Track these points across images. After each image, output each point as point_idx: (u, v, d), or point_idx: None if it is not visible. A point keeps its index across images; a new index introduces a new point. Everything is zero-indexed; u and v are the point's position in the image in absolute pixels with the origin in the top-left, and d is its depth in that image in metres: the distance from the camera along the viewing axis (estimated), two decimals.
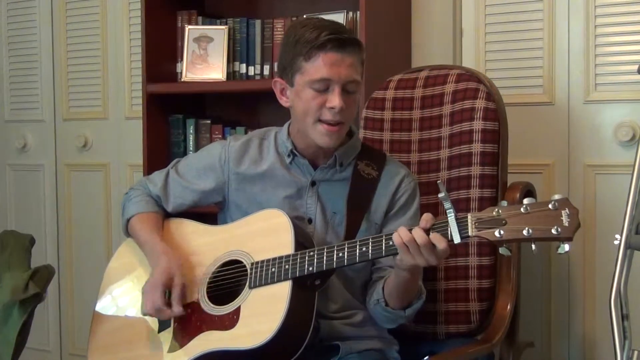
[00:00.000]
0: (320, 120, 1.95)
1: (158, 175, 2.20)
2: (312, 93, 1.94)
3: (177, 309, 1.96)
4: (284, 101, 2.04)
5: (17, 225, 3.66)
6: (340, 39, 1.92)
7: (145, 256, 2.10)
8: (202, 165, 2.15)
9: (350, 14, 2.77)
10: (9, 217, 3.78)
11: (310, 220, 2.04)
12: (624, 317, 1.84)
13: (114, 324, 2.13)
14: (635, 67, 2.04)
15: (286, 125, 2.10)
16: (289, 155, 2.06)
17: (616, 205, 2.40)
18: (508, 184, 2.28)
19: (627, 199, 1.91)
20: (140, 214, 2.14)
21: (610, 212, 2.54)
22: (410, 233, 1.74)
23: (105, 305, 2.16)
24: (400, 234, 1.76)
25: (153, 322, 2.04)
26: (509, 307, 2.20)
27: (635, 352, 1.79)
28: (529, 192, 2.28)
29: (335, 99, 1.92)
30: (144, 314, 2.01)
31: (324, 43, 1.91)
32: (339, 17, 2.71)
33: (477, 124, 2.24)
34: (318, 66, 1.92)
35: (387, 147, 2.38)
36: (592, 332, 2.61)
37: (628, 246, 1.88)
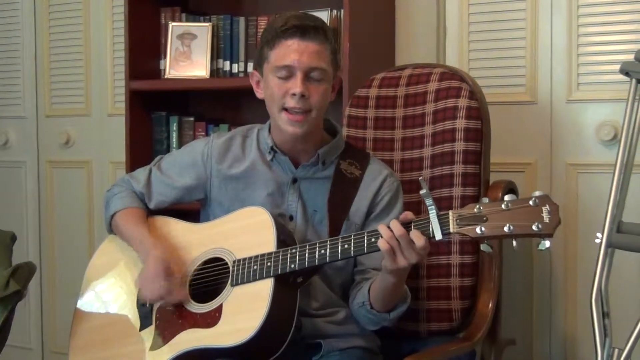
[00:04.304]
0: (285, 109, 1.95)
1: (141, 173, 2.19)
2: (276, 81, 1.95)
3: (183, 292, 1.96)
4: (259, 94, 2.05)
5: None
6: (302, 26, 1.92)
7: (132, 251, 2.08)
8: (185, 162, 2.14)
9: (335, 12, 2.76)
10: None
11: (291, 218, 2.03)
12: (604, 315, 1.86)
13: (95, 322, 2.12)
14: (618, 66, 2.05)
15: (268, 122, 2.09)
16: (269, 152, 2.05)
17: (598, 204, 2.41)
18: (490, 183, 2.28)
19: (608, 198, 1.93)
20: (125, 210, 2.13)
21: (591, 211, 2.55)
22: (388, 228, 1.75)
23: (86, 303, 2.15)
24: (379, 231, 1.76)
25: (135, 320, 2.03)
26: (490, 305, 2.21)
27: (616, 350, 1.81)
28: (511, 190, 2.28)
29: (296, 85, 1.92)
30: (143, 304, 2.01)
31: (286, 30, 1.92)
32: (323, 15, 2.70)
33: (460, 123, 2.24)
34: (280, 53, 1.93)
35: (370, 145, 2.38)
36: (573, 329, 2.62)
37: (609, 245, 1.90)
